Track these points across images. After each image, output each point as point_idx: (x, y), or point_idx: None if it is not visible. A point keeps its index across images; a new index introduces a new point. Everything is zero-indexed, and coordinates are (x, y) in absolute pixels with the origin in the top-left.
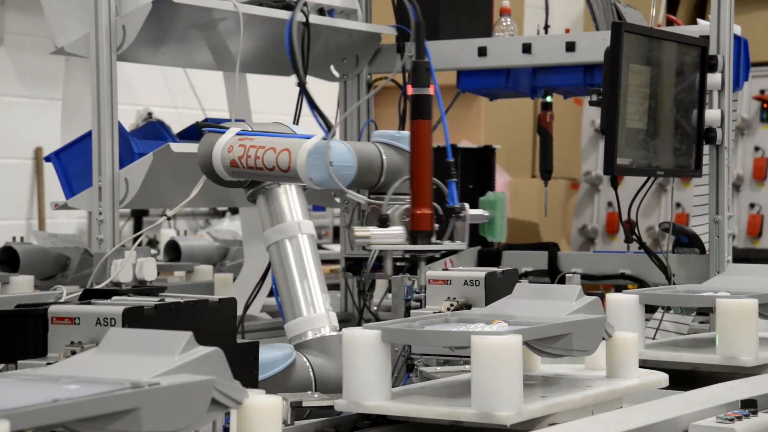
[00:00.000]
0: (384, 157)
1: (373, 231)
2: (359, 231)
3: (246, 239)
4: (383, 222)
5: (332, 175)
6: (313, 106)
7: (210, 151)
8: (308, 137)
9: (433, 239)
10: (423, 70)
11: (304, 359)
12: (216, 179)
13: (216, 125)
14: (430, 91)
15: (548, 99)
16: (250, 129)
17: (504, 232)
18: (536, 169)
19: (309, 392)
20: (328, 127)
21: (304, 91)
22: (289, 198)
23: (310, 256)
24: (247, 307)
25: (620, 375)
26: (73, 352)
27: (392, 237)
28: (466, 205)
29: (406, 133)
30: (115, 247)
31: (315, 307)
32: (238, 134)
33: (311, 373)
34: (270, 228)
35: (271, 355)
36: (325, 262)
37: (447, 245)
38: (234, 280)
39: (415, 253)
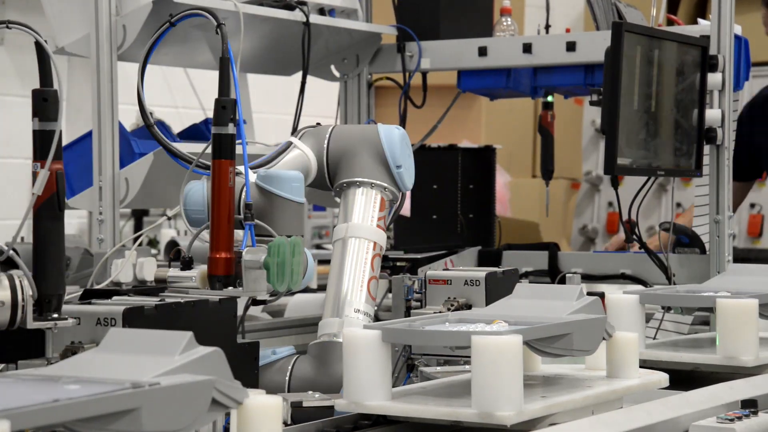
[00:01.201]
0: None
1: (171, 273)
2: (158, 272)
3: None
4: (186, 264)
5: (184, 219)
6: (167, 149)
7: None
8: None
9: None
10: (220, 108)
11: (290, 362)
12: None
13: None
14: (230, 130)
15: (549, 99)
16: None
17: (297, 279)
18: (537, 169)
19: (309, 392)
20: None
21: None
22: (367, 200)
23: (368, 261)
24: (247, 307)
25: (620, 375)
26: (74, 352)
27: (186, 280)
28: (261, 248)
29: (284, 174)
30: (115, 247)
31: (339, 312)
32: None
33: (287, 377)
34: (338, 225)
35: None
36: (324, 262)
37: (242, 291)
38: None
39: (209, 297)
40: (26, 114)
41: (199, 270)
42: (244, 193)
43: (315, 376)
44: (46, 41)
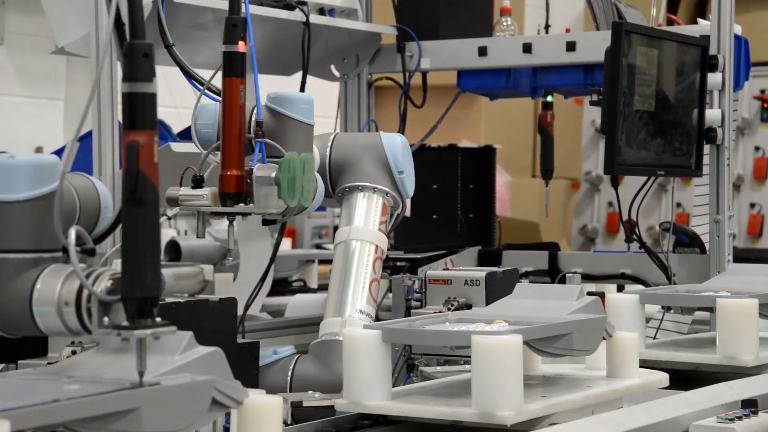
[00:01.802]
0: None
1: (183, 192)
2: (170, 191)
3: (242, 240)
4: (197, 183)
5: (194, 136)
6: (184, 70)
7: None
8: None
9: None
10: (230, 26)
11: (292, 362)
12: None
13: None
14: (240, 48)
15: (549, 99)
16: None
17: (308, 196)
18: (536, 169)
19: (309, 392)
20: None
21: None
22: (369, 204)
23: (371, 263)
24: (247, 307)
25: (620, 375)
26: (74, 352)
27: (198, 198)
28: (259, 166)
29: (294, 95)
30: (115, 247)
31: (342, 312)
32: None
33: (288, 376)
34: (341, 228)
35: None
36: (324, 262)
37: (249, 208)
38: (234, 280)
39: (223, 214)
40: (27, 113)
41: (210, 189)
42: (254, 114)
43: (317, 375)
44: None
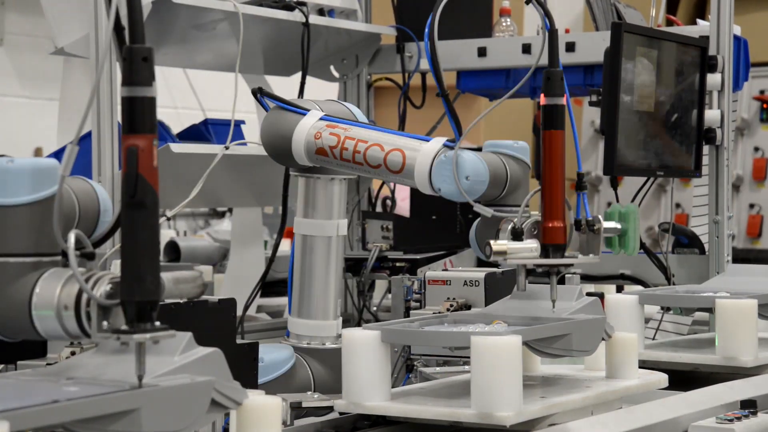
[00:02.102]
0: (508, 169)
1: (511, 245)
2: (496, 245)
3: (234, 239)
4: (517, 236)
5: (462, 189)
6: (451, 111)
7: (287, 132)
8: (424, 139)
9: (567, 253)
10: (558, 79)
11: (303, 360)
12: (284, 160)
13: (281, 99)
14: (563, 101)
15: None
16: (318, 109)
17: (637, 245)
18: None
19: (308, 392)
20: (460, 133)
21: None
22: (331, 191)
23: (335, 259)
24: (246, 307)
25: (620, 375)
26: (73, 353)
27: (527, 251)
28: (600, 217)
29: (524, 143)
30: (115, 247)
31: (326, 314)
32: (322, 119)
33: (310, 374)
34: (303, 218)
35: (276, 357)
36: None
37: (581, 259)
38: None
39: (549, 267)
40: (26, 114)
41: (536, 242)
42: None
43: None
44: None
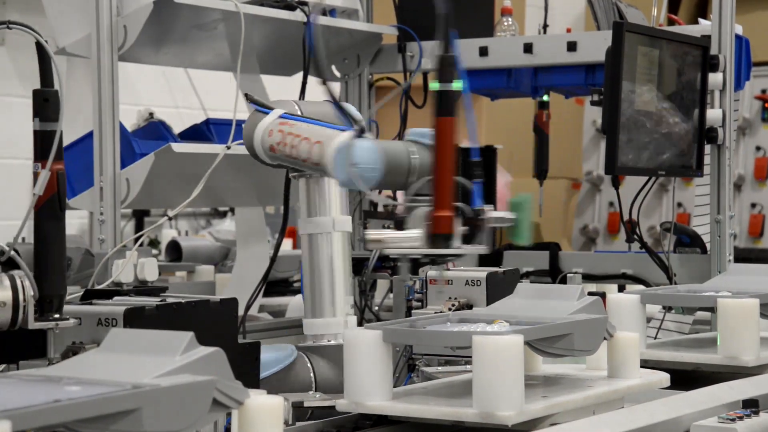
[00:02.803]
0: (413, 157)
1: (388, 234)
2: (372, 234)
3: (239, 239)
4: (399, 225)
5: (353, 177)
6: (337, 104)
7: (252, 132)
8: (346, 129)
9: (456, 242)
10: (448, 64)
11: (306, 360)
12: (259, 160)
13: (260, 102)
14: (456, 87)
15: (545, 98)
16: (297, 110)
17: (530, 235)
18: None
19: (310, 392)
20: (357, 124)
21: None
22: (330, 190)
23: (339, 255)
24: (248, 307)
25: (622, 375)
26: (75, 353)
27: (408, 240)
28: (490, 207)
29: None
30: (116, 247)
31: (335, 311)
32: (281, 117)
33: (311, 374)
34: (306, 218)
35: (267, 356)
36: None
37: (467, 249)
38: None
39: (434, 257)
40: (27, 114)
41: (419, 230)
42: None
43: (338, 378)
44: (46, 41)
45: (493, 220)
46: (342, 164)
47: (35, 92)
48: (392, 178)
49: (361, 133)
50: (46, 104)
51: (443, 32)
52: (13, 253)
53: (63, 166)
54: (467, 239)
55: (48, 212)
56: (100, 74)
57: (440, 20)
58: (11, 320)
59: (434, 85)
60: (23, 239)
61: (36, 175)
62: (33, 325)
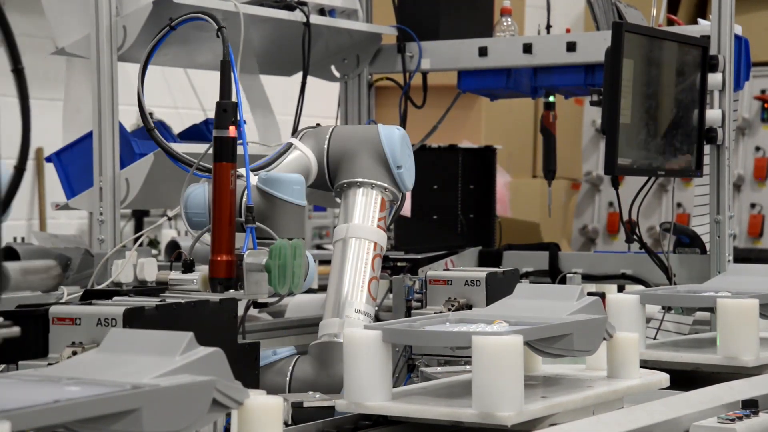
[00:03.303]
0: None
1: (173, 276)
2: (160, 275)
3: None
4: (188, 267)
5: (185, 222)
6: (167, 151)
7: None
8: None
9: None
10: (221, 111)
11: (291, 363)
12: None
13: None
14: (231, 133)
15: (551, 99)
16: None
17: (299, 282)
18: (537, 169)
19: (310, 392)
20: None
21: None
22: (356, 199)
23: (369, 261)
24: (248, 307)
25: (621, 375)
26: (74, 353)
27: (188, 282)
28: (249, 253)
29: (285, 177)
30: (116, 247)
31: (340, 312)
32: None
33: (287, 378)
34: (338, 225)
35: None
36: (324, 262)
37: (239, 294)
38: None
39: (209, 297)
40: None
41: (201, 273)
42: (245, 196)
43: (316, 377)
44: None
45: (246, 266)
46: (182, 211)
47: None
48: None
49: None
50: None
51: (222, 78)
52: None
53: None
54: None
55: None
56: (99, 74)
57: (222, 66)
58: None
59: (214, 132)
60: (23, 239)
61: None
62: None
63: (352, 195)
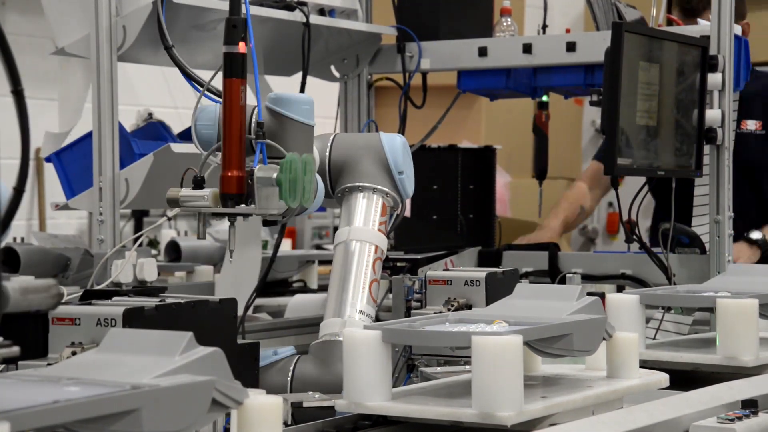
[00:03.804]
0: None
1: (184, 192)
2: (170, 192)
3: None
4: (198, 184)
5: (196, 136)
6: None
7: None
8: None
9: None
10: (231, 26)
11: (292, 363)
12: None
13: None
14: (241, 48)
15: (544, 98)
16: None
17: (309, 197)
18: None
19: (309, 392)
20: (201, 85)
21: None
22: (368, 204)
23: (370, 264)
24: (246, 307)
25: (621, 375)
26: (74, 353)
27: (199, 199)
28: (260, 166)
29: (294, 96)
30: (115, 247)
31: (341, 313)
32: None
33: (289, 377)
34: (340, 229)
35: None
36: (324, 262)
37: (254, 209)
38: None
39: (224, 215)
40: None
41: (211, 190)
42: (255, 116)
43: (318, 376)
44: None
45: (257, 180)
46: (193, 126)
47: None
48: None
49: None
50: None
51: None
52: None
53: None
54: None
55: None
56: (99, 74)
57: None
58: None
59: (223, 48)
60: (22, 239)
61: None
62: None
63: (353, 199)
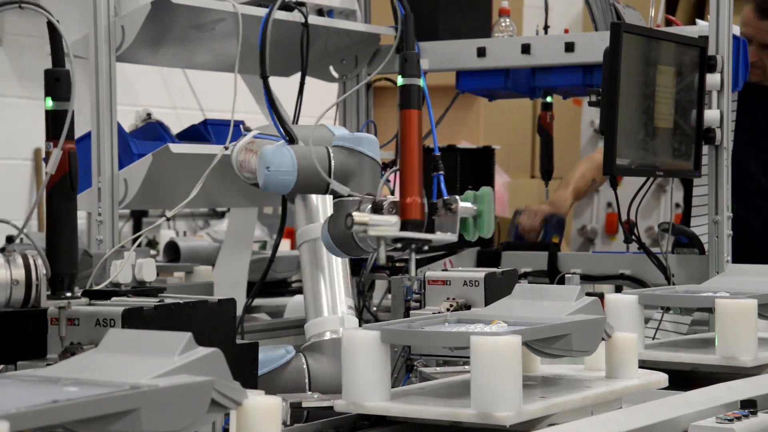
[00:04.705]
0: (333, 161)
1: (372, 217)
2: (358, 216)
3: (227, 239)
4: (377, 209)
5: (269, 181)
6: (272, 104)
7: (234, 155)
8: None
9: (426, 230)
10: (414, 60)
11: (302, 361)
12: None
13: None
14: (419, 81)
15: (548, 99)
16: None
17: (491, 228)
18: (535, 169)
19: (308, 392)
20: (285, 131)
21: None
22: (325, 201)
23: (339, 258)
24: (246, 307)
25: (620, 375)
26: (73, 353)
27: (387, 224)
28: (457, 197)
29: (364, 135)
30: (114, 247)
31: (336, 309)
32: (254, 137)
33: (306, 375)
34: (304, 226)
35: (263, 356)
36: None
37: (438, 236)
38: None
39: (407, 241)
40: (26, 114)
41: (395, 216)
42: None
43: (337, 372)
44: (58, 21)
45: (460, 210)
46: (261, 169)
47: (47, 72)
48: (311, 182)
49: (291, 142)
50: (57, 83)
51: (407, 31)
52: (24, 232)
53: (74, 146)
54: (436, 228)
55: (60, 192)
56: (97, 75)
57: (405, 20)
58: (24, 298)
59: (399, 80)
60: (21, 240)
61: (48, 155)
62: (45, 303)
63: (309, 197)
